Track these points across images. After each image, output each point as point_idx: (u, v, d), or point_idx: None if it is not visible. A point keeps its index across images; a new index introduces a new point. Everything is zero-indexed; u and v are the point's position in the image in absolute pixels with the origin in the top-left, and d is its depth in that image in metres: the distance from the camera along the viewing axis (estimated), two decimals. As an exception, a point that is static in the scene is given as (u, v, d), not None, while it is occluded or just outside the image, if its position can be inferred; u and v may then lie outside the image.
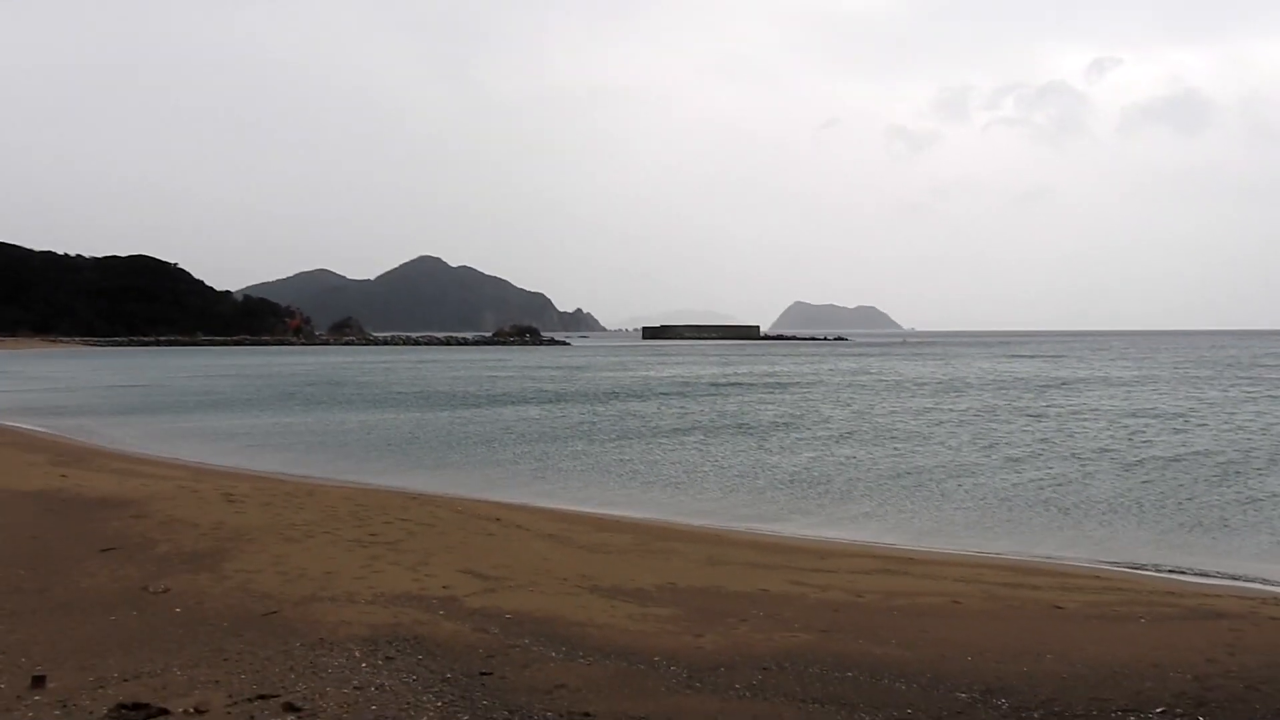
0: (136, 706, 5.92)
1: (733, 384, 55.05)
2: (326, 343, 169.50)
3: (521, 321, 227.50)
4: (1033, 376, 61.71)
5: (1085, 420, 32.15)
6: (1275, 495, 17.48)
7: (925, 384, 54.32)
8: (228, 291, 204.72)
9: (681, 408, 38.44)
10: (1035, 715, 6.14)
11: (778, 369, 74.75)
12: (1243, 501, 16.93)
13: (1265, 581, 11.33)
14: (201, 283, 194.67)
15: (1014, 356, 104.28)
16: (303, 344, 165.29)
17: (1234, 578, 11.59)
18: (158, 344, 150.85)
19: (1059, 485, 18.82)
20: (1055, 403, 39.98)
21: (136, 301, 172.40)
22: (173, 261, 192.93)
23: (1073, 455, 23.20)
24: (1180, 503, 16.88)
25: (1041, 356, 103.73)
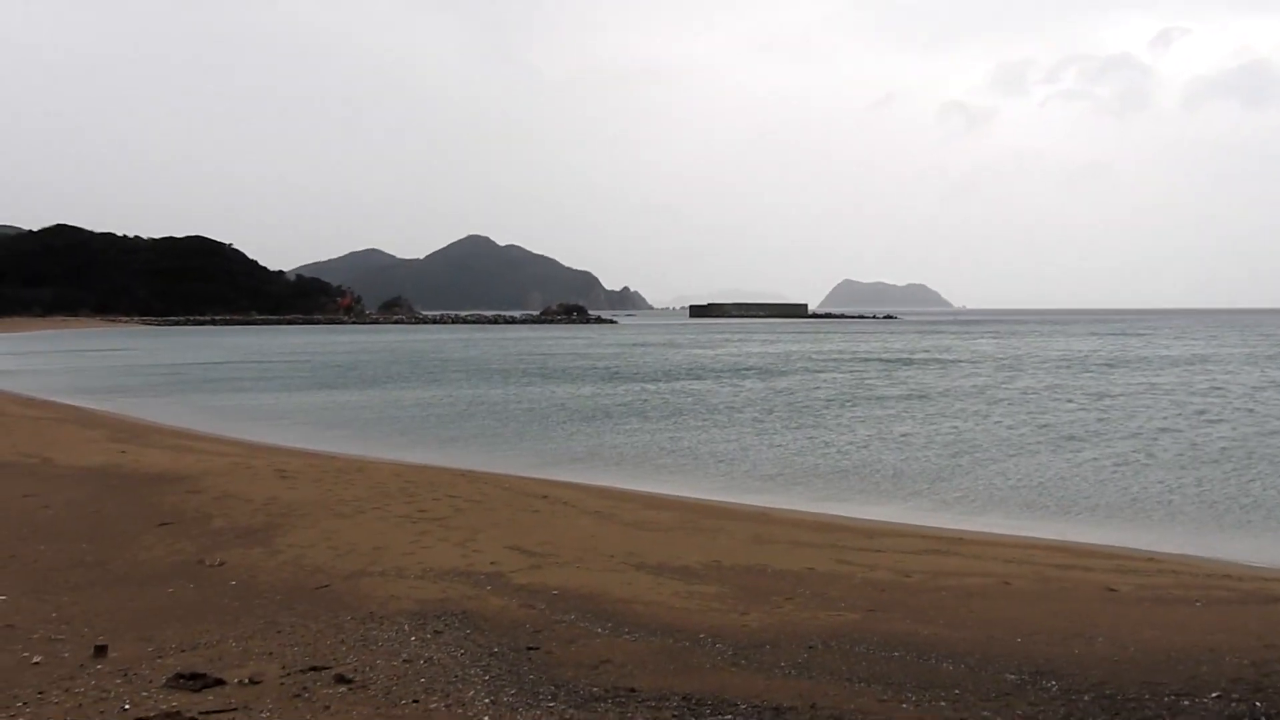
0: (194, 676, 6.09)
1: (786, 363, 54.79)
2: (376, 321, 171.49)
3: (568, 300, 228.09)
4: (1091, 354, 60.57)
5: (1146, 399, 31.53)
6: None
7: (981, 361, 53.61)
8: (280, 271, 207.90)
9: (735, 385, 38.38)
10: (1085, 698, 6.07)
11: (828, 347, 74.25)
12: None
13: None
14: (255, 263, 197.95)
15: (1073, 335, 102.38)
16: (353, 322, 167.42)
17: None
18: (213, 323, 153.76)
19: (1118, 466, 18.49)
20: (1116, 381, 39.24)
21: (192, 281, 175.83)
22: (227, 242, 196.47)
23: (1133, 435, 22.76)
24: (1242, 486, 16.50)
25: (1100, 334, 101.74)
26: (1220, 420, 25.52)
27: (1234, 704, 5.97)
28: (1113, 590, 9.18)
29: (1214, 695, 6.11)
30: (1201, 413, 27.30)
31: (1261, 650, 7.09)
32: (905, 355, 62.34)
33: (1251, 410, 27.86)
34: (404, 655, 6.72)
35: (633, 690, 6.09)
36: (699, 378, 43.17)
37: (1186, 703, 5.99)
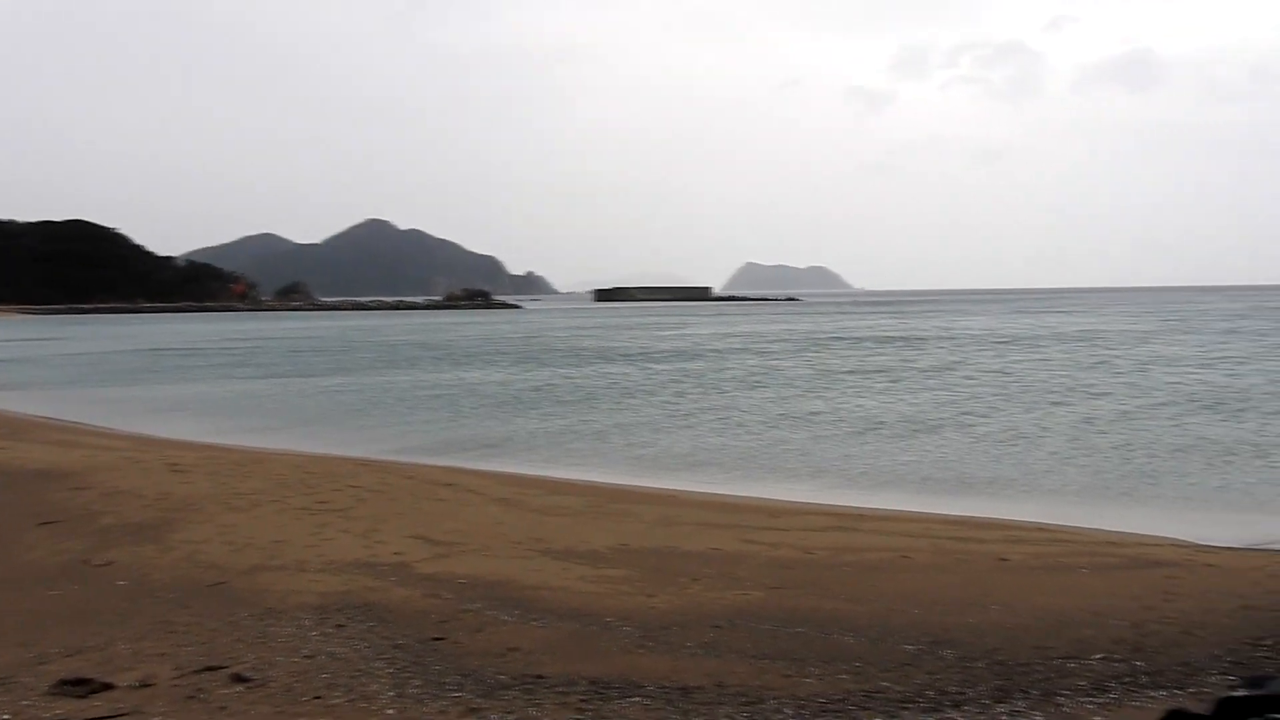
0: (80, 682, 5.85)
1: (696, 347, 55.24)
2: (273, 308, 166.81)
3: (473, 285, 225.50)
4: (990, 332, 62.69)
5: (1041, 375, 32.76)
6: (1213, 440, 17.99)
7: (885, 340, 54.96)
8: (170, 257, 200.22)
9: (646, 368, 38.54)
10: (980, 665, 6.29)
11: (738, 330, 75.11)
12: (1189, 450, 17.42)
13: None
14: (142, 248, 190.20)
15: (971, 314, 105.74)
16: (248, 309, 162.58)
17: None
18: (98, 311, 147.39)
19: (1014, 440, 19.18)
20: (1013, 358, 40.67)
21: (75, 268, 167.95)
22: (113, 226, 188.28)
23: (1027, 409, 23.65)
24: (1126, 457, 17.29)
25: (997, 314, 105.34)
26: (1108, 394, 26.69)
27: (1115, 664, 6.28)
28: (1005, 560, 9.53)
29: (1098, 657, 6.41)
30: (1090, 387, 28.53)
31: (1140, 612, 7.45)
32: (811, 337, 63.50)
33: (1135, 385, 29.21)
34: (305, 651, 6.57)
35: (540, 677, 6.08)
36: (610, 360, 43.24)
37: (1073, 665, 6.26)
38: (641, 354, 47.72)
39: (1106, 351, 44.10)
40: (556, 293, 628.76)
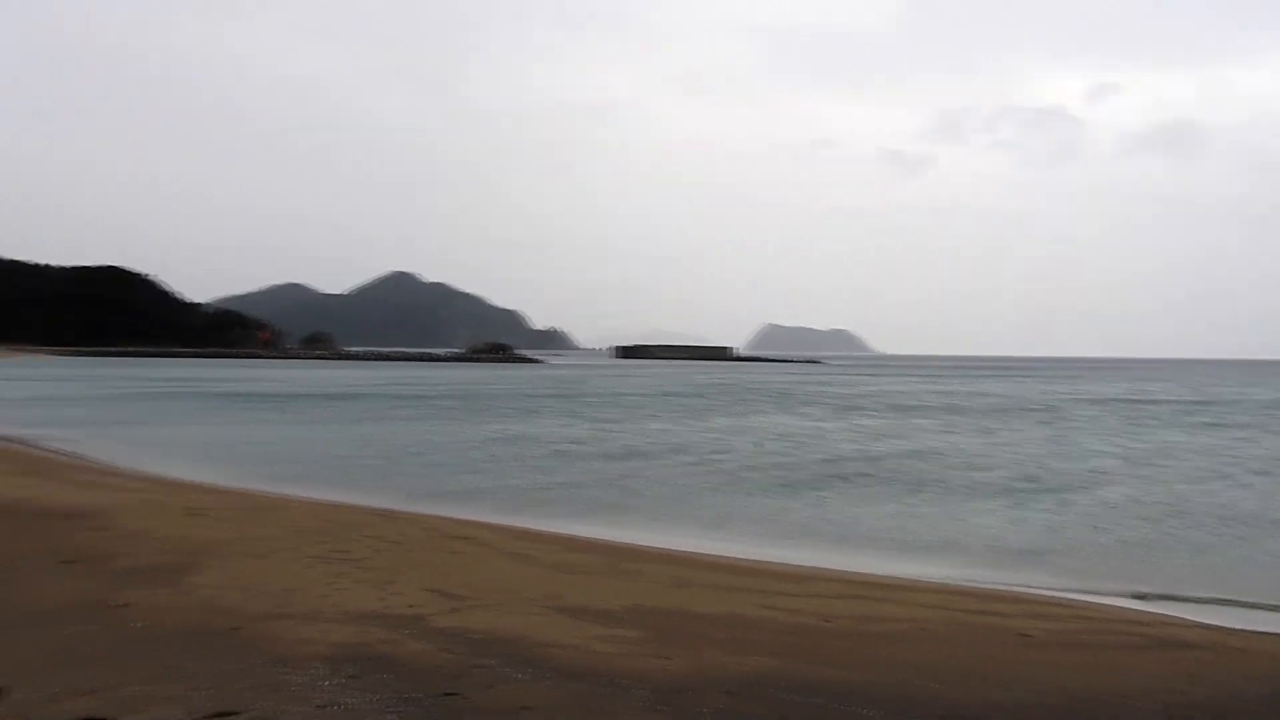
0: (91, 723, 5.80)
1: (732, 407, 55.13)
2: (298, 356, 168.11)
3: (495, 339, 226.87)
4: (1024, 399, 62.23)
5: (1069, 445, 32.43)
6: (1238, 520, 17.69)
7: (924, 407, 54.64)
8: (198, 303, 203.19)
9: (689, 425, 38.46)
10: (1001, 742, 6.15)
11: (761, 378, 75.03)
12: (1218, 526, 17.13)
13: (1230, 603, 11.46)
14: (171, 294, 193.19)
15: (992, 377, 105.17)
16: (273, 357, 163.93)
17: (1197, 601, 11.72)
18: (125, 355, 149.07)
19: (1043, 512, 18.95)
20: (1029, 432, 40.32)
21: (105, 312, 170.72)
22: (143, 273, 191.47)
23: (1060, 486, 23.38)
24: (1156, 531, 17.04)
25: (1011, 377, 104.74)
26: (1124, 474, 26.36)
27: (1142, 748, 6.12)
28: (1027, 636, 9.36)
29: (1123, 740, 6.25)
30: (1129, 458, 28.21)
31: (1168, 695, 7.28)
32: (850, 398, 63.26)
33: (1160, 464, 28.85)
34: (316, 700, 6.50)
35: (553, 737, 5.98)
36: (640, 414, 43.19)
37: (1097, 747, 6.11)
38: (674, 408, 47.64)
39: (1147, 425, 43.67)
40: (578, 348, 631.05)
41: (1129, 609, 11.45)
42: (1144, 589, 12.82)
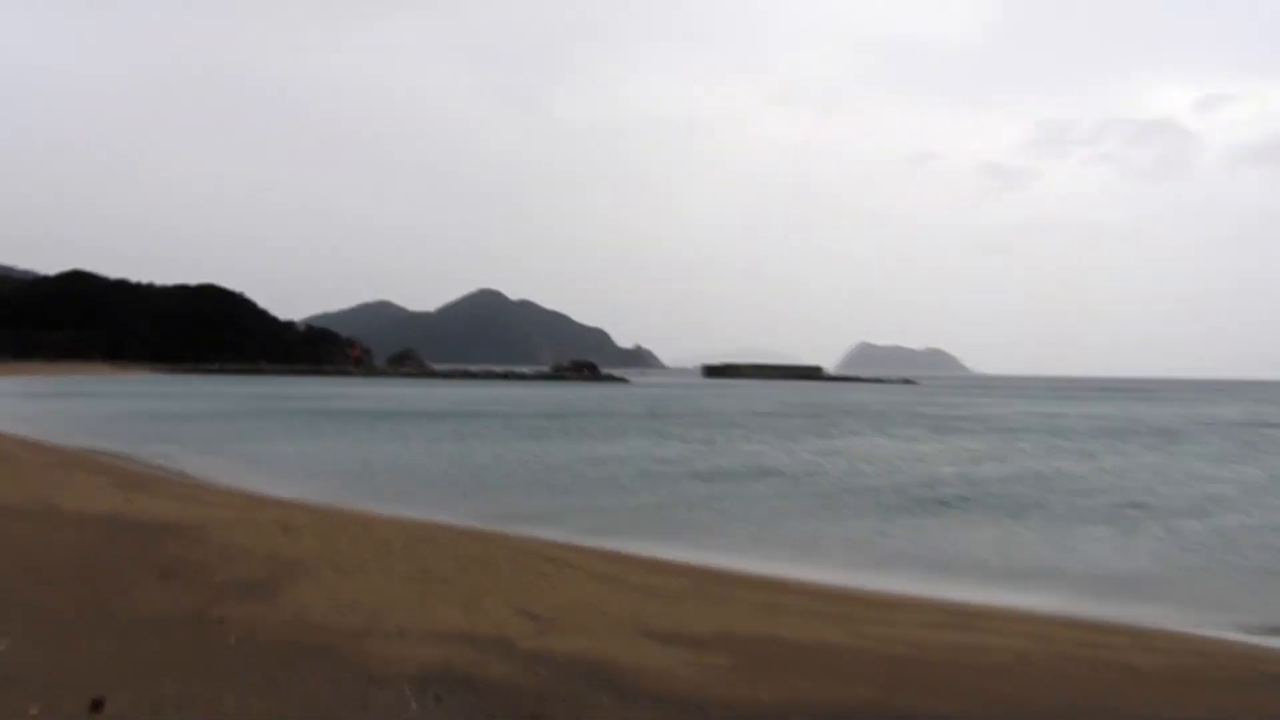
0: (188, 735, 6.00)
1: (833, 425, 54.61)
2: (385, 374, 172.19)
3: (581, 357, 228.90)
4: (1120, 421, 60.14)
5: (1180, 470, 31.21)
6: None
7: (1028, 430, 53.29)
8: (291, 321, 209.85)
9: (770, 450, 38.25)
10: (1109, 785, 5.92)
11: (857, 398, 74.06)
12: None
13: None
14: (266, 312, 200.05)
15: (1096, 399, 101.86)
16: (362, 375, 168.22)
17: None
18: (222, 371, 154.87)
19: (1146, 540, 18.27)
20: (1137, 456, 38.91)
21: (203, 329, 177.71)
22: (240, 291, 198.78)
23: (1171, 512, 22.52)
24: (1276, 561, 16.28)
25: (1117, 399, 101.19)
26: (1273, 492, 25.20)
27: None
28: (1136, 670, 9.00)
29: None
30: (1245, 485, 27.00)
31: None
32: (947, 420, 62.02)
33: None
34: (404, 719, 6.62)
35: (639, 763, 5.97)
36: (729, 435, 43.03)
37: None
38: (773, 430, 47.32)
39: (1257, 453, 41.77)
40: (664, 367, 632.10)
41: (1245, 643, 10.93)
42: (1262, 622, 12.24)
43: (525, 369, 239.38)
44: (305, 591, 10.89)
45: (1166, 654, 9.88)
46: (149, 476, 24.00)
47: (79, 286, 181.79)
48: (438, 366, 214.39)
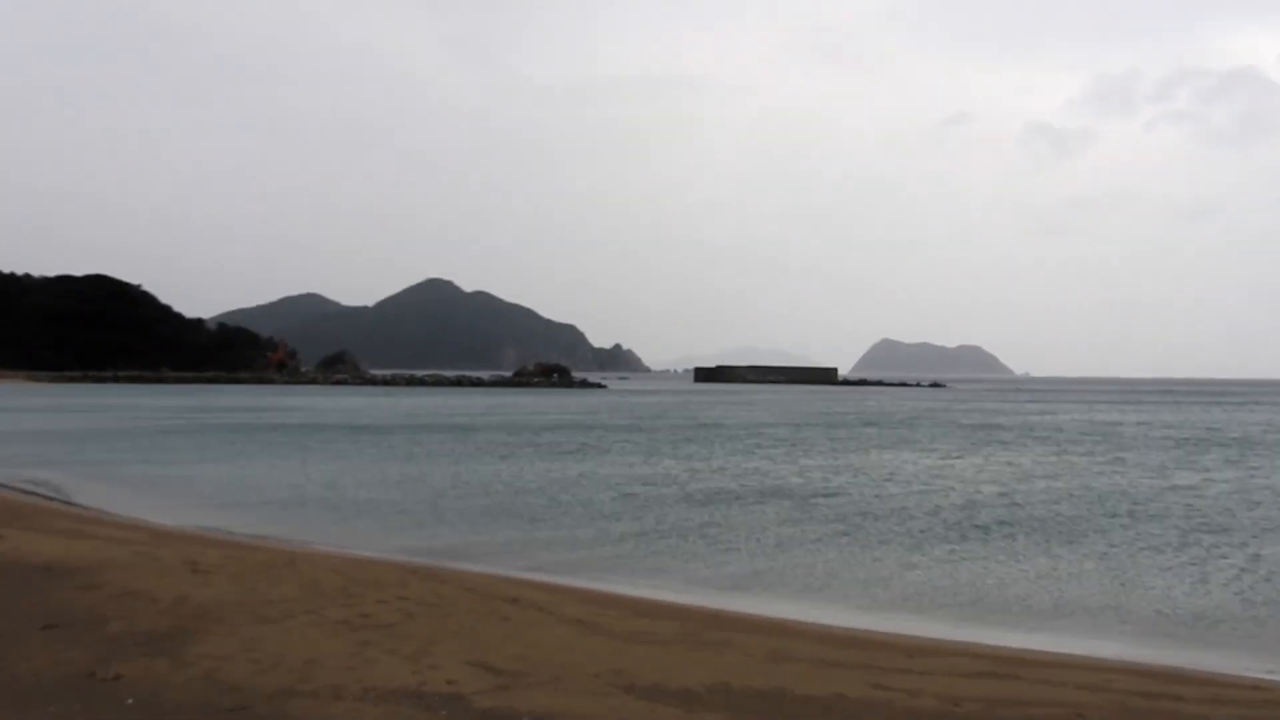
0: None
1: (846, 439, 54.84)
2: (313, 381, 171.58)
3: (549, 359, 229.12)
4: (1192, 430, 60.67)
5: (1265, 489, 31.52)
6: None
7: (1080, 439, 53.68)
8: (200, 319, 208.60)
9: (777, 467, 38.38)
10: None
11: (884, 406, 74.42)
12: None
13: None
14: (169, 309, 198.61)
15: (1163, 403, 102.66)
16: (286, 381, 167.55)
17: None
18: (117, 380, 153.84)
19: (1223, 571, 18.47)
20: (1213, 472, 39.27)
21: (92, 329, 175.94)
22: (136, 283, 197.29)
23: (1253, 539, 22.75)
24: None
25: (1189, 404, 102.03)
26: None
27: None
28: (1209, 726, 9.12)
29: None
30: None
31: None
32: (985, 429, 62.38)
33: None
34: (339, 795, 6.64)
35: (620, 843, 6.01)
36: (728, 449, 43.15)
37: None
38: (772, 439, 47.45)
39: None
40: (648, 370, 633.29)
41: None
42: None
43: (483, 374, 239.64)
44: (219, 644, 10.88)
45: (1246, 706, 10.00)
46: (27, 506, 23.86)
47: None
48: (377, 372, 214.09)
